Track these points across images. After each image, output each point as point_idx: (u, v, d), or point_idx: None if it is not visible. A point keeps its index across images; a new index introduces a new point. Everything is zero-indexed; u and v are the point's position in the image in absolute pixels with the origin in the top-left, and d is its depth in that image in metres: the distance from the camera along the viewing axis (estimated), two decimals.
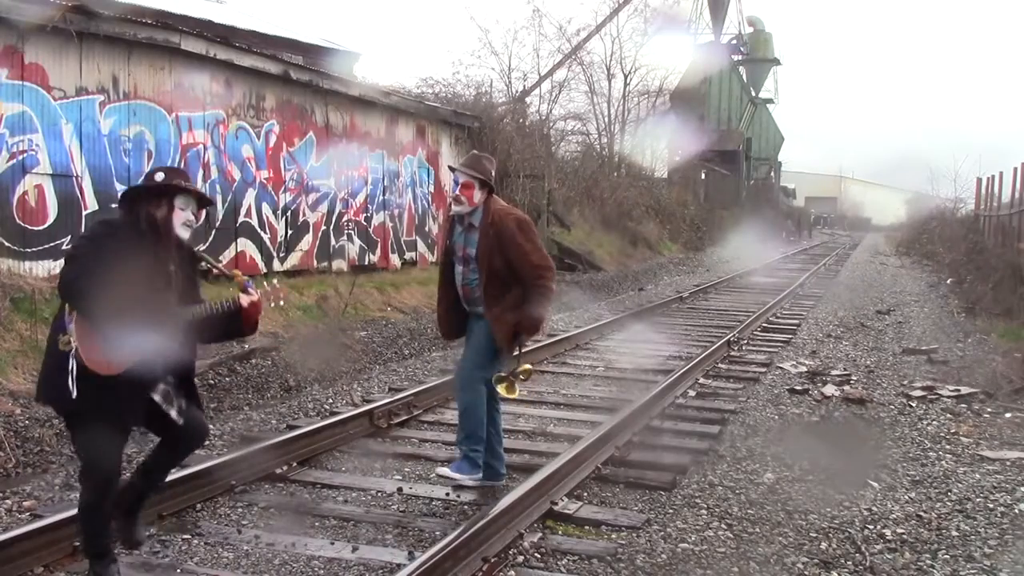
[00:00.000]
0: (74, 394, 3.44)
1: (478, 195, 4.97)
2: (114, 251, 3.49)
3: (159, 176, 3.69)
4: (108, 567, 3.71)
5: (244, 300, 3.75)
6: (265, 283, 3.94)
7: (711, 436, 6.45)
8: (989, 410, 7.58)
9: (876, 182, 70.20)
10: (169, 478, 4.81)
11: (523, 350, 5.22)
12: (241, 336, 3.92)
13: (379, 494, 5.13)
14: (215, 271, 4.51)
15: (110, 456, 3.57)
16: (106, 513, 3.67)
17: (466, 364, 5.16)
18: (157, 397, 3.67)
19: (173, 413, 3.71)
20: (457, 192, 4.97)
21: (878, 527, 4.80)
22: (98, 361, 3.45)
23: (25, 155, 8.24)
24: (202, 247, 9.50)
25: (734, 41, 47.76)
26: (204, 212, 3.81)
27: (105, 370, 3.46)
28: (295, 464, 5.52)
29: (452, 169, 5.11)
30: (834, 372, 9.03)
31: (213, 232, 10.47)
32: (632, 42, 31.64)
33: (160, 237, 3.60)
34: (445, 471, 5.22)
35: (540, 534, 4.55)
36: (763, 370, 9.11)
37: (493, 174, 5.09)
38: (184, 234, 3.69)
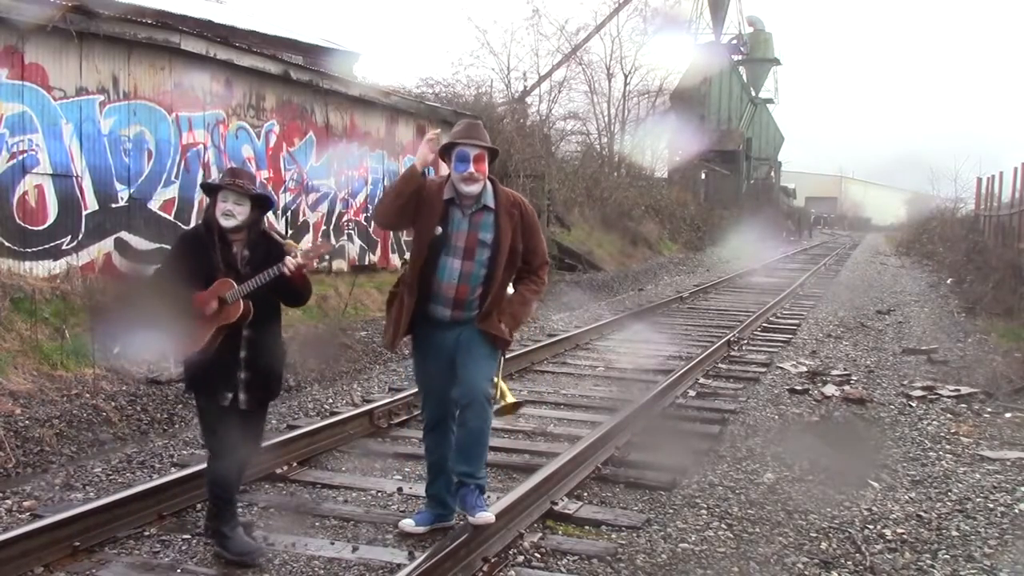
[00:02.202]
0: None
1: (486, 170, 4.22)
2: (181, 253, 4.15)
3: (210, 180, 4.19)
4: (237, 529, 4.20)
5: (288, 264, 4.01)
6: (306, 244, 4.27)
7: (711, 436, 6.45)
8: (989, 410, 7.57)
9: (876, 182, 70.32)
10: (168, 478, 4.85)
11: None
12: (300, 299, 4.28)
13: (379, 494, 5.13)
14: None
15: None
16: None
17: (476, 377, 4.24)
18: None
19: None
20: (471, 170, 4.12)
21: (878, 527, 4.80)
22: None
23: (25, 155, 8.24)
24: None
25: (734, 41, 47.67)
26: (250, 204, 4.10)
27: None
28: (295, 464, 5.52)
29: (454, 145, 4.19)
30: (834, 372, 9.03)
31: None
32: (632, 42, 31.68)
33: (211, 229, 4.10)
34: (482, 516, 4.19)
35: (540, 534, 4.55)
36: (763, 370, 9.11)
37: None
38: (226, 223, 4.04)
